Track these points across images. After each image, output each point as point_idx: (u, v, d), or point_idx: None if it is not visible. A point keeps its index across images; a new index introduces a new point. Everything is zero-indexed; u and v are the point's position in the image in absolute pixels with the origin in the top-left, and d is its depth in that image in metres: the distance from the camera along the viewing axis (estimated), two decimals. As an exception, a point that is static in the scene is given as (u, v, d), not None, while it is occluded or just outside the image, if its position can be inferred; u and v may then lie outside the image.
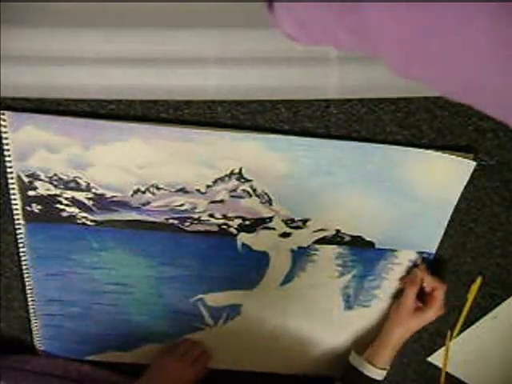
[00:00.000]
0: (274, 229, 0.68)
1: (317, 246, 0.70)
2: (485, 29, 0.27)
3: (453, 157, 0.63)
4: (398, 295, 0.74)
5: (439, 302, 0.69)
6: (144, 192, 0.64)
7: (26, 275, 0.69)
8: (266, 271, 0.71)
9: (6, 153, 0.60)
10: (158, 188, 0.64)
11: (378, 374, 0.71)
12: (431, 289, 0.70)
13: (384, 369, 0.71)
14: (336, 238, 0.69)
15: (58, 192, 0.63)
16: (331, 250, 0.70)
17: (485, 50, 0.28)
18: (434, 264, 0.72)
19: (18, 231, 0.66)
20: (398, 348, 0.72)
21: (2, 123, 0.58)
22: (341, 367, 0.76)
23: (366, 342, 0.75)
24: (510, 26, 0.26)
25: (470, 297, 0.76)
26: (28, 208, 0.64)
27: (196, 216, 0.66)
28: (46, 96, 0.56)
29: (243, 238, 0.68)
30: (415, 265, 0.72)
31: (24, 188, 0.62)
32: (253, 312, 0.75)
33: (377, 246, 0.70)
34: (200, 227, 0.67)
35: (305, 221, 0.67)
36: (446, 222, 0.69)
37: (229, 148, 0.61)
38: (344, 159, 0.63)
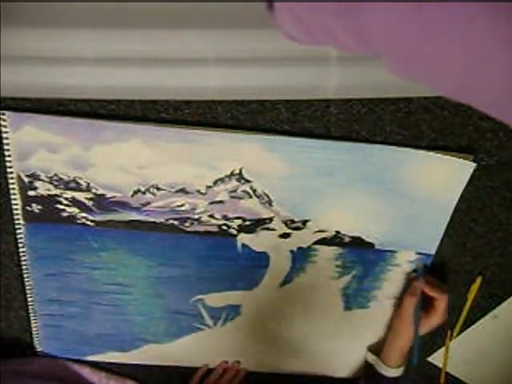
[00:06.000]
0: (273, 229, 0.68)
1: (316, 247, 0.70)
2: (486, 29, 0.27)
3: (453, 158, 0.63)
4: (398, 301, 0.75)
5: (439, 311, 0.70)
6: (144, 192, 0.64)
7: (25, 275, 0.69)
8: (266, 272, 0.71)
9: (6, 153, 0.60)
10: (158, 188, 0.64)
11: (392, 372, 0.74)
12: (432, 299, 0.70)
13: (399, 366, 0.74)
14: (336, 239, 0.69)
15: (58, 192, 0.63)
16: (331, 250, 0.70)
17: (485, 50, 0.28)
18: (434, 264, 0.72)
19: (17, 231, 0.66)
20: (407, 349, 0.74)
21: (2, 123, 0.58)
22: (340, 367, 0.76)
23: (381, 341, 0.78)
24: (510, 25, 0.26)
25: (470, 297, 0.76)
26: (28, 208, 0.64)
27: (196, 216, 0.66)
28: (46, 96, 0.56)
29: (243, 238, 0.68)
30: (416, 276, 0.71)
31: (24, 188, 0.62)
32: (252, 312, 0.75)
33: (376, 247, 0.70)
34: (200, 228, 0.67)
35: (305, 221, 0.67)
36: (445, 224, 0.69)
37: (229, 149, 0.61)
38: (344, 160, 0.63)
